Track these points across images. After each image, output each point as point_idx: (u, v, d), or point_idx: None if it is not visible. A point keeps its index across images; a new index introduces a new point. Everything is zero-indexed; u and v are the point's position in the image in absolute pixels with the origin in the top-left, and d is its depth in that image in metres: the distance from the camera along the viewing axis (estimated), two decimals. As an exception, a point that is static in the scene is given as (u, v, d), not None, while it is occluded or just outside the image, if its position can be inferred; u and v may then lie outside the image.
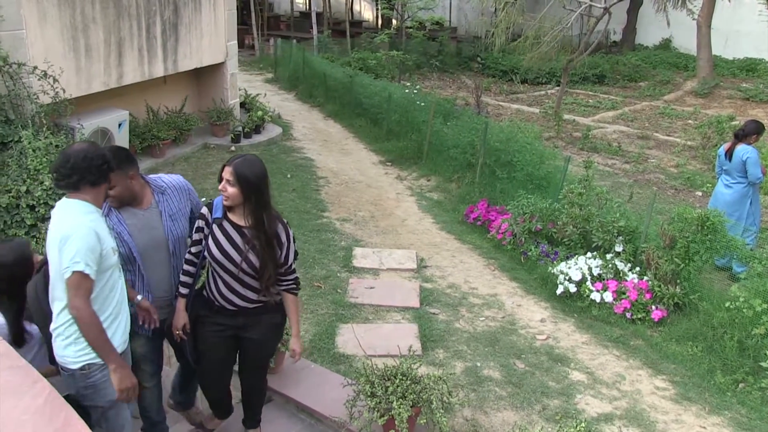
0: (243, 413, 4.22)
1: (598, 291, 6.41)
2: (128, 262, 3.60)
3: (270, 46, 20.68)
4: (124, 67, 9.06)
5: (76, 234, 3.04)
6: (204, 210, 3.70)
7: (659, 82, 19.76)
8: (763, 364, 5.21)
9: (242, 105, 12.70)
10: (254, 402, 4.20)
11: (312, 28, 21.07)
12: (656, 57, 22.16)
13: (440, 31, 22.53)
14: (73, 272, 3.01)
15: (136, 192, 3.59)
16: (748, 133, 7.36)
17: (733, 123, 12.31)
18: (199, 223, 3.69)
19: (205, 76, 11.64)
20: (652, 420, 4.86)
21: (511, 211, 7.72)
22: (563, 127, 13.87)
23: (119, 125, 9.05)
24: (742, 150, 7.28)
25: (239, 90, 12.59)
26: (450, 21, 24.72)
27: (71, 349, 3.20)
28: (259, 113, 12.21)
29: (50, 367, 3.46)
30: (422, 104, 11.67)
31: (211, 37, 10.93)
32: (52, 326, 3.23)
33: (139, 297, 3.66)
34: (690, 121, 15.34)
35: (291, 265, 3.76)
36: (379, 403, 4.00)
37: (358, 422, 4.10)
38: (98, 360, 3.20)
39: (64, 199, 3.22)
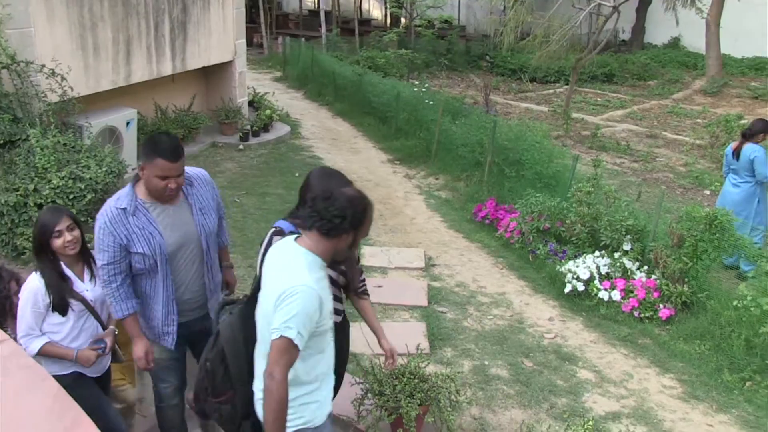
0: None
1: (606, 290, 6.42)
2: (152, 268, 3.40)
3: (279, 45, 20.74)
4: (132, 66, 9.11)
5: (298, 296, 2.65)
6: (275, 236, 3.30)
7: (668, 80, 19.70)
8: (770, 362, 5.22)
9: (251, 103, 12.75)
10: None
11: (321, 26, 21.11)
12: (665, 56, 22.09)
13: (449, 30, 22.53)
14: (281, 336, 2.64)
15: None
16: (756, 132, 7.35)
17: (742, 122, 12.27)
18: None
19: (214, 74, 11.69)
20: (660, 418, 4.87)
21: (519, 210, 7.74)
22: (572, 126, 13.86)
23: (127, 124, 9.10)
24: (750, 149, 7.27)
25: (248, 88, 12.64)
26: (459, 19, 24.71)
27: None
28: (268, 112, 12.25)
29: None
30: (431, 103, 11.69)
31: (219, 36, 10.97)
32: (257, 385, 2.89)
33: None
34: (699, 120, 15.30)
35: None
36: (387, 401, 4.02)
37: (365, 421, 4.14)
38: (310, 425, 2.92)
39: (292, 242, 2.85)
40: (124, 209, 3.33)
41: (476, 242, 7.94)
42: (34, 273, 3.44)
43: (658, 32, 23.67)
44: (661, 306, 6.17)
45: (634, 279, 6.45)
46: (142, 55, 9.27)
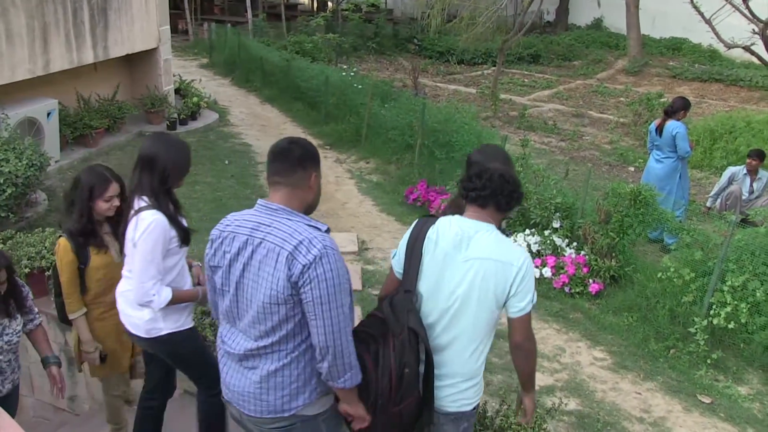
0: None
1: (537, 267, 6.54)
2: None
3: (204, 31, 20.27)
4: (50, 54, 8.74)
5: (531, 270, 2.78)
6: None
7: (592, 61, 20.16)
8: (691, 329, 5.42)
9: (177, 91, 12.43)
10: None
11: (247, 11, 20.72)
12: (589, 36, 22.58)
13: (376, 14, 22.47)
14: (528, 312, 2.80)
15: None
16: (677, 109, 7.60)
17: (662, 100, 12.68)
18: None
19: (138, 62, 11.33)
20: (592, 389, 5.00)
21: (450, 191, 7.80)
22: (500, 107, 14.04)
23: (48, 114, 8.75)
24: (672, 126, 7.51)
25: (174, 76, 12.32)
26: (386, 3, 24.68)
27: (472, 391, 2.89)
28: (195, 99, 11.97)
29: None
30: (360, 87, 11.64)
31: (142, 22, 10.64)
32: (451, 370, 2.84)
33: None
34: (622, 99, 15.72)
35: None
36: (323, 386, 3.97)
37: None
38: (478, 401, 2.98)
39: (467, 220, 2.82)
40: None
41: (408, 225, 7.88)
42: (149, 211, 3.28)
43: (582, 14, 24.19)
44: (591, 281, 6.33)
45: (564, 256, 6.59)
46: (60, 42, 8.89)
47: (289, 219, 2.56)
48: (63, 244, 3.61)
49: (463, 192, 2.89)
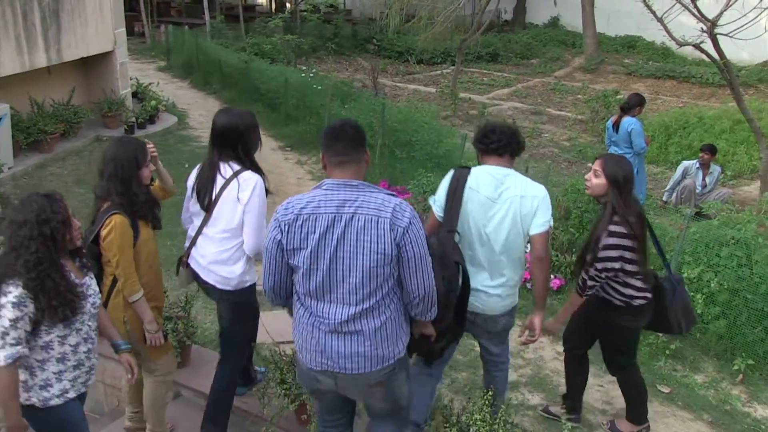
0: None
1: (499, 264, 6.60)
2: None
3: (161, 33, 20.03)
4: (0, 58, 8.57)
5: (548, 199, 3.63)
6: None
7: (550, 59, 20.44)
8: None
9: (135, 95, 12.27)
10: None
11: (204, 13, 20.52)
12: (546, 35, 22.89)
13: (335, 14, 22.47)
14: (548, 228, 3.62)
15: None
16: (632, 105, 7.75)
17: (618, 97, 12.91)
18: None
19: (94, 65, 11.16)
20: (555, 384, 5.07)
21: (411, 191, 7.83)
22: (460, 106, 14.15)
23: None
24: (628, 122, 7.66)
25: (131, 79, 12.16)
26: (344, 3, 24.68)
27: (510, 300, 3.87)
28: (153, 103, 11.84)
29: None
30: (319, 88, 11.63)
31: (96, 25, 10.48)
32: (494, 282, 3.73)
33: None
34: (579, 96, 15.96)
35: None
36: (290, 389, 3.99)
37: (269, 410, 4.10)
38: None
39: (492, 167, 3.68)
40: None
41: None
42: (247, 172, 3.74)
43: (538, 12, 24.50)
44: (552, 276, 6.41)
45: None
46: (10, 46, 8.71)
47: (371, 191, 2.89)
48: (120, 221, 3.47)
49: (482, 147, 3.73)
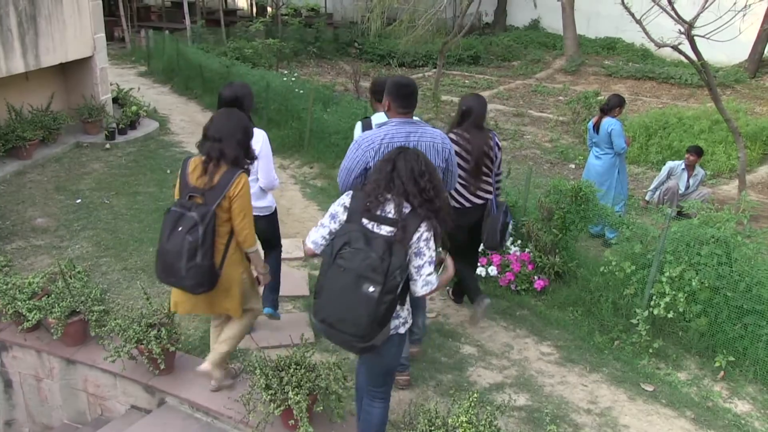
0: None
1: (482, 266, 6.63)
2: None
3: (141, 38, 19.91)
4: (-23, 64, 8.48)
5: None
6: None
7: (531, 60, 20.55)
8: (633, 321, 5.58)
9: (115, 100, 12.18)
10: None
11: (185, 18, 20.43)
12: (527, 37, 23.01)
13: (316, 18, 22.44)
14: None
15: None
16: (612, 106, 7.81)
17: (599, 98, 13.01)
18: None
19: (73, 71, 11.06)
20: (540, 384, 5.10)
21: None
22: (442, 108, 14.19)
23: (-21, 127, 8.50)
24: (608, 123, 7.71)
25: (111, 85, 12.06)
26: (325, 7, 24.65)
27: None
28: (134, 108, 11.75)
29: None
30: (301, 92, 11.61)
31: (75, 30, 10.38)
32: None
33: None
34: (561, 98, 16.06)
35: None
36: (275, 394, 3.98)
37: (255, 416, 4.08)
38: None
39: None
40: None
41: (356, 228, 7.94)
42: (255, 128, 4.47)
43: (519, 15, 24.63)
44: (536, 278, 6.44)
45: (509, 254, 6.69)
46: (-14, 52, 8.63)
47: (425, 126, 4.17)
48: (246, 179, 3.96)
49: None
